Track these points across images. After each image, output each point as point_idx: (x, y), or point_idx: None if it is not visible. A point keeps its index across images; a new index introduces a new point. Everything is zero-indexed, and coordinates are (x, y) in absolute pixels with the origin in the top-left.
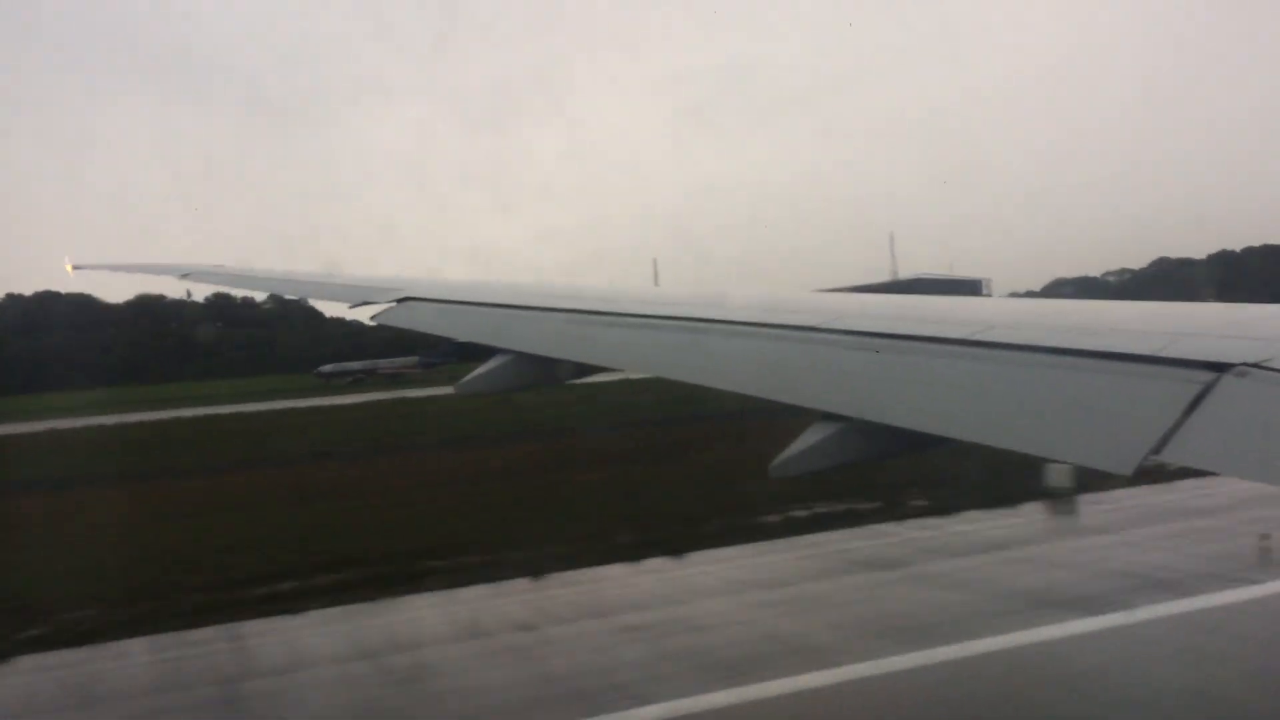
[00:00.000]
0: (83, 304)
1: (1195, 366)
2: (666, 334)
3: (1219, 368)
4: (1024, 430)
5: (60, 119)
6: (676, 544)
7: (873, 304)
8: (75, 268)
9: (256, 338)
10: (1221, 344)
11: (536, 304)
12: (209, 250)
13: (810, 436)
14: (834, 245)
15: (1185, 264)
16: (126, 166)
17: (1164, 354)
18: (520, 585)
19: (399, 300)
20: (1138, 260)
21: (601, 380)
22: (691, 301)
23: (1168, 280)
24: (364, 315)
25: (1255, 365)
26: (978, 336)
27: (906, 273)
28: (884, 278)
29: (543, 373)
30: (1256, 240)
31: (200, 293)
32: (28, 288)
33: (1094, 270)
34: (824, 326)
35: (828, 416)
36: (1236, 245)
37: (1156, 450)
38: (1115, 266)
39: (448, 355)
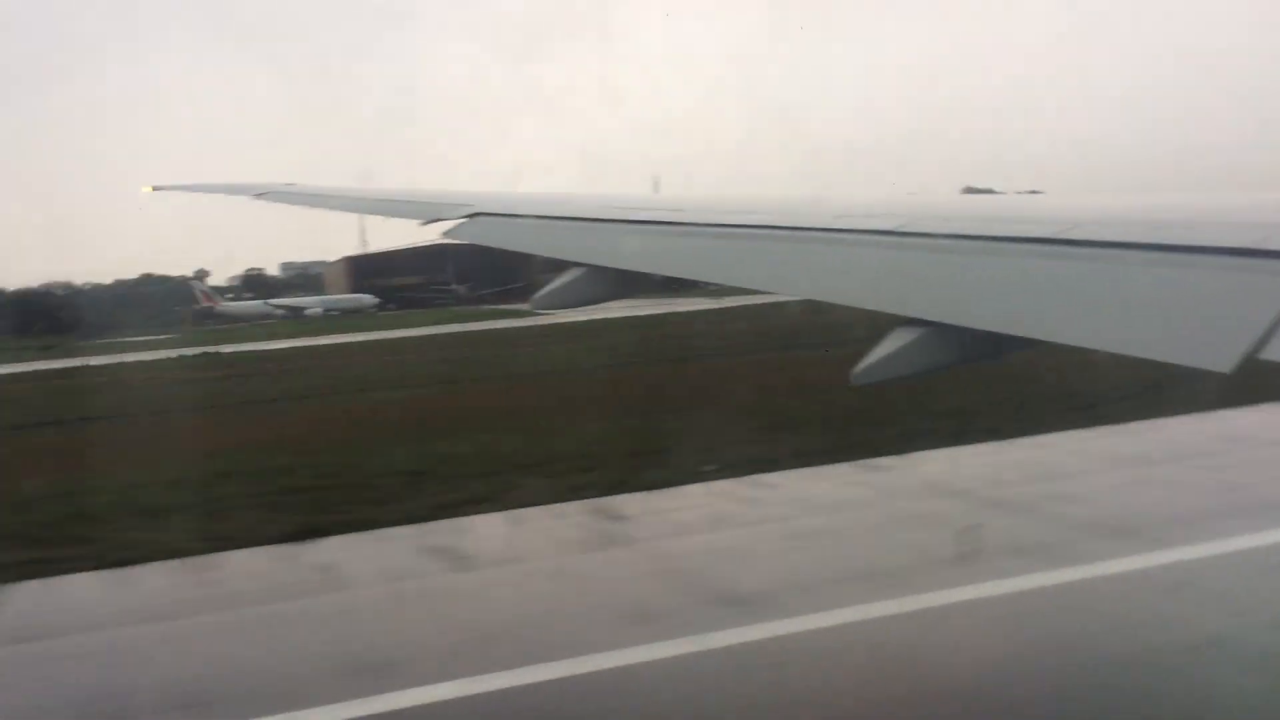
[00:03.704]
0: None
1: None
2: (743, 242)
3: None
4: (1116, 329)
5: (129, 62)
6: None
7: (952, 207)
8: (155, 189)
9: None
10: None
11: (610, 216)
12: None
13: (892, 342)
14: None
15: None
16: (191, 102)
17: (1263, 246)
18: None
19: (470, 216)
20: None
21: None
22: (767, 210)
23: None
24: (435, 232)
25: None
26: (1063, 235)
27: None
28: None
29: (618, 287)
30: None
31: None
32: None
33: None
34: (903, 230)
35: (909, 322)
36: None
37: (1258, 348)
38: None
39: None
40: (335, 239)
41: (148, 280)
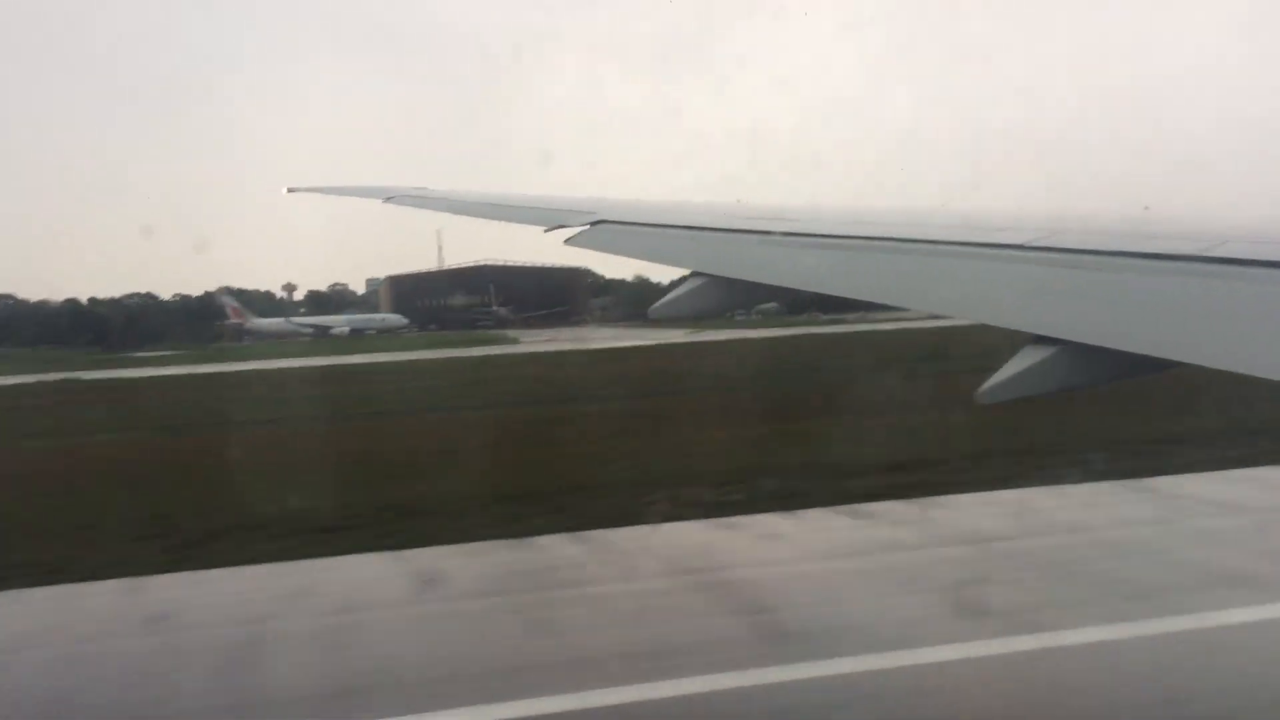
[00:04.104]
0: None
1: None
2: (869, 255)
3: None
4: (1263, 352)
5: (272, 73)
6: None
7: (1089, 219)
8: (290, 190)
9: None
10: None
11: (733, 226)
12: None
13: (1021, 361)
14: None
15: None
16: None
17: None
18: None
19: (592, 223)
20: None
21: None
22: (897, 222)
23: None
24: (559, 239)
25: None
26: (1209, 252)
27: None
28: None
29: (738, 298)
30: None
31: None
32: None
33: None
34: (1033, 245)
35: (1039, 340)
36: None
37: None
38: None
39: None
40: (464, 245)
41: (224, 292)
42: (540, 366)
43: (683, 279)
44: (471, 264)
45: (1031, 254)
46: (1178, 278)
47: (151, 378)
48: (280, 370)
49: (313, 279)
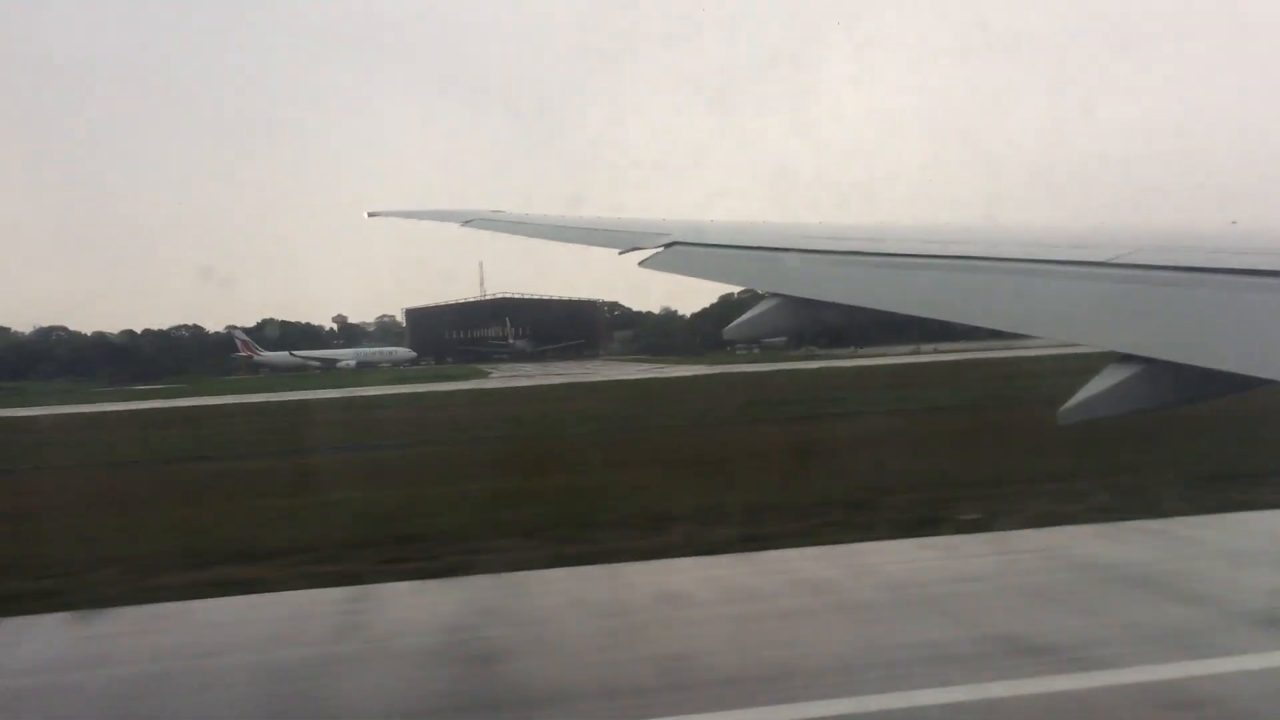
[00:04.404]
0: None
1: None
2: (944, 273)
3: None
4: None
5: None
6: None
7: (1174, 236)
8: (370, 214)
9: None
10: None
11: (806, 246)
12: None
13: (1105, 380)
14: None
15: None
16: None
17: None
18: None
19: (667, 245)
20: None
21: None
22: (975, 240)
23: None
24: (633, 261)
25: None
26: None
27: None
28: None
29: (812, 319)
30: None
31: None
32: None
33: None
34: (1117, 262)
35: (1124, 358)
36: None
37: None
38: None
39: None
40: (534, 272)
41: (265, 324)
42: (421, 409)
43: (739, 297)
44: (488, 296)
45: (1113, 271)
46: (1269, 294)
47: (56, 415)
48: (176, 410)
49: (378, 308)
